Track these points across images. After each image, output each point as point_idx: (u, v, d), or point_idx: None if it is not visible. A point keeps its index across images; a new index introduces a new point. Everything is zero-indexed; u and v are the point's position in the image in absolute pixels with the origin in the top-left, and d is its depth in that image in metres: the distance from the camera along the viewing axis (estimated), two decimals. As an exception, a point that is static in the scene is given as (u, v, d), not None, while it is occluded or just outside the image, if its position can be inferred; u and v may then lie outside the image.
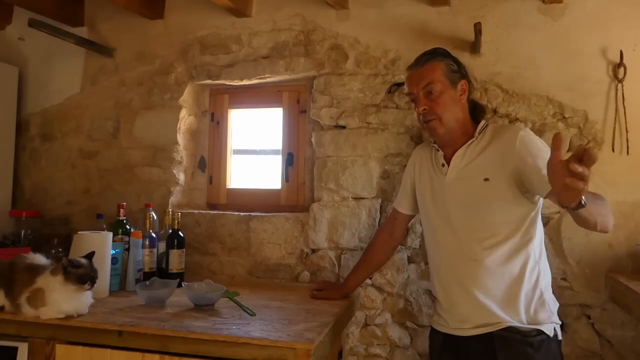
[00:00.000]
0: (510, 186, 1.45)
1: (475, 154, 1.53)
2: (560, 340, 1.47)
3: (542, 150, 1.43)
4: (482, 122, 1.59)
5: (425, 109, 1.53)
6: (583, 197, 1.10)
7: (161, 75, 2.37)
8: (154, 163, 2.35)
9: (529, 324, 1.42)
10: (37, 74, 2.59)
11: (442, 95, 1.53)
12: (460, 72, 1.58)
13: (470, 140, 1.55)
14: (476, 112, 1.64)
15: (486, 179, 1.48)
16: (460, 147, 1.56)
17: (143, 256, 1.93)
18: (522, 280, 1.44)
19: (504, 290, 1.44)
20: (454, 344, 1.53)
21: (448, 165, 1.58)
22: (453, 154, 1.57)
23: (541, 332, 1.41)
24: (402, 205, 1.81)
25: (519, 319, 1.42)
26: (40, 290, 1.47)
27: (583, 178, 1.00)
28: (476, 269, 1.47)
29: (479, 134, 1.55)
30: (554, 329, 1.45)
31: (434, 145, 1.65)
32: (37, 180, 2.54)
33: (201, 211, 2.31)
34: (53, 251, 2.03)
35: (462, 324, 1.50)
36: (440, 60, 1.55)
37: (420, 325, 1.98)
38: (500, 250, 1.46)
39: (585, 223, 1.23)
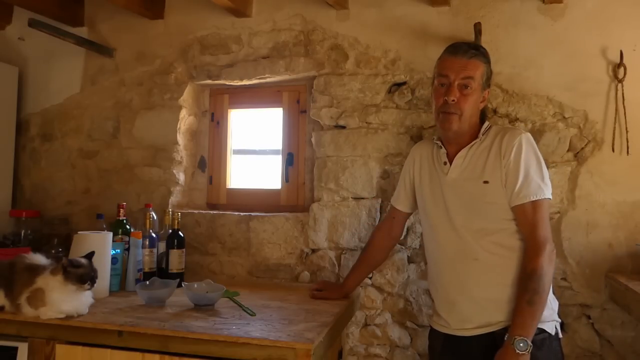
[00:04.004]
0: (504, 186, 1.48)
1: (477, 155, 1.54)
2: (560, 338, 1.48)
3: (530, 162, 1.47)
4: (486, 124, 1.60)
5: (454, 100, 1.51)
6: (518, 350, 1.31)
7: (161, 75, 2.37)
8: (154, 163, 2.35)
9: None
10: (37, 74, 2.59)
11: (474, 94, 1.53)
12: (489, 81, 1.59)
13: (474, 142, 1.55)
14: (483, 117, 1.65)
15: (485, 182, 1.49)
16: (464, 147, 1.56)
17: (143, 256, 1.93)
18: None
19: (506, 290, 1.44)
20: (455, 345, 1.53)
21: (450, 164, 1.58)
22: (456, 153, 1.57)
23: (543, 331, 1.41)
24: (400, 202, 1.81)
25: None
26: (40, 290, 1.47)
27: None
28: (478, 268, 1.48)
29: (482, 135, 1.56)
30: (555, 327, 1.46)
31: (437, 142, 1.64)
32: (37, 180, 2.54)
33: (201, 211, 2.31)
34: (53, 251, 2.03)
35: (463, 324, 1.50)
36: (484, 62, 1.55)
37: (420, 325, 1.98)
38: (501, 249, 1.46)
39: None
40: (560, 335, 1.48)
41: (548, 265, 1.39)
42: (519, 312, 1.37)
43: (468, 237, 1.50)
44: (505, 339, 1.35)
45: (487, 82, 1.57)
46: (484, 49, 1.63)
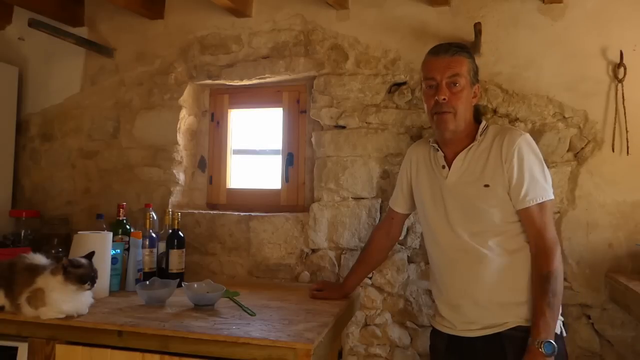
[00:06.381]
0: (507, 190, 1.48)
1: (476, 158, 1.53)
2: (564, 337, 1.47)
3: (533, 165, 1.47)
4: (483, 124, 1.59)
5: (445, 99, 1.51)
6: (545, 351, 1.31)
7: (161, 75, 2.37)
8: (154, 163, 2.35)
9: None
10: (37, 74, 2.59)
11: (463, 91, 1.52)
12: (477, 76, 1.59)
13: (472, 144, 1.55)
14: (477, 114, 1.65)
15: (486, 185, 1.49)
16: (462, 149, 1.55)
17: (143, 256, 1.93)
18: (526, 281, 1.44)
19: (509, 292, 1.44)
20: (460, 345, 1.52)
21: (449, 168, 1.57)
22: (454, 156, 1.57)
23: None
24: (398, 204, 1.80)
25: (526, 318, 1.42)
26: (40, 290, 1.47)
27: None
28: (481, 271, 1.47)
29: (480, 136, 1.55)
30: (559, 326, 1.45)
31: (434, 144, 1.64)
32: (37, 180, 2.54)
33: (201, 211, 2.31)
34: (53, 251, 2.02)
35: (469, 325, 1.50)
36: (467, 58, 1.55)
37: (420, 325, 1.98)
38: (503, 252, 1.46)
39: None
40: (565, 334, 1.48)
41: (560, 266, 1.41)
42: (540, 315, 1.36)
43: (470, 241, 1.50)
44: (529, 343, 1.34)
45: (475, 77, 1.57)
46: (466, 45, 1.64)
